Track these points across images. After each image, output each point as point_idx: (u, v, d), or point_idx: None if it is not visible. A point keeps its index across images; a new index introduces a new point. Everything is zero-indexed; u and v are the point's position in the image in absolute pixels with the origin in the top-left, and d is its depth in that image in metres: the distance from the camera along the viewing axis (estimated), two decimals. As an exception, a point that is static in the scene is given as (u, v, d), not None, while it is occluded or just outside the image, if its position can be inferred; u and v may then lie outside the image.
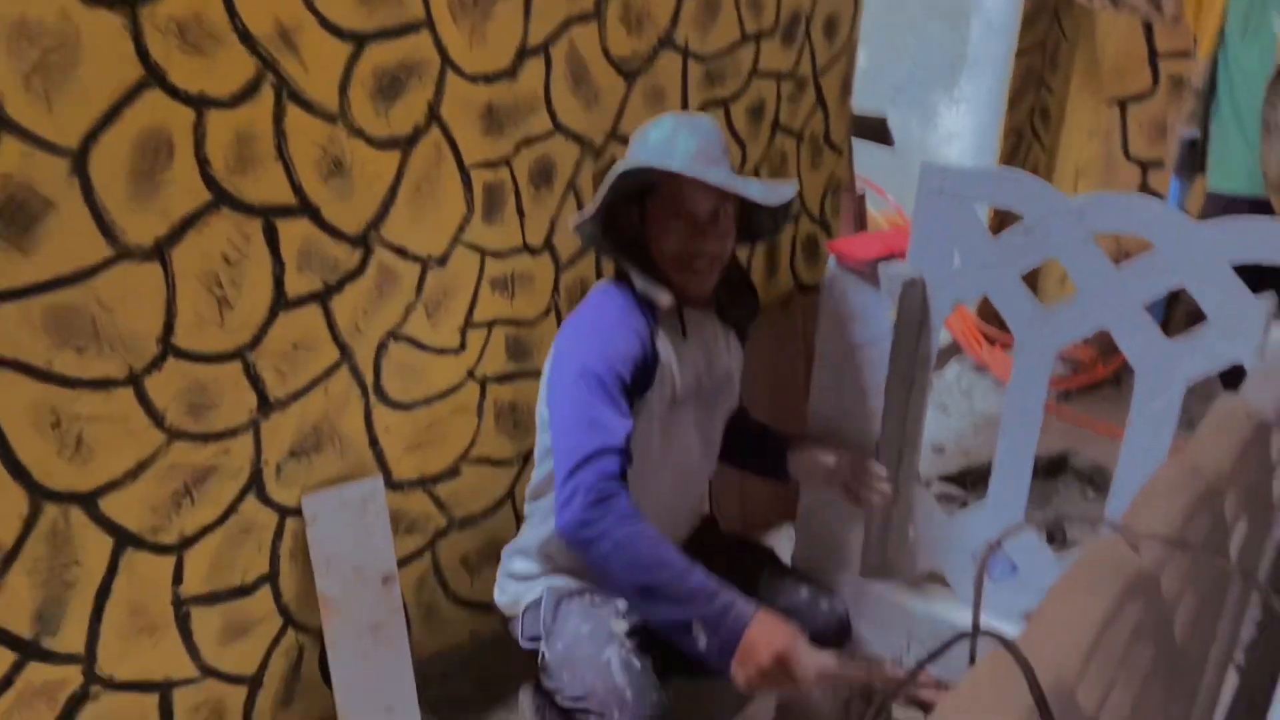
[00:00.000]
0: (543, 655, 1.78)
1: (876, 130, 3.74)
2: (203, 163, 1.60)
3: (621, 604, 1.76)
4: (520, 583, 1.91)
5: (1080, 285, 1.61)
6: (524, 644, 1.84)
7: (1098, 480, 3.10)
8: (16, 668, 1.57)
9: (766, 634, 1.46)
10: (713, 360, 1.86)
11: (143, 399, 1.62)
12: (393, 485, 2.05)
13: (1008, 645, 0.68)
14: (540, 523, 1.87)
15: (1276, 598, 0.93)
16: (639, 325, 1.70)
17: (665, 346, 1.75)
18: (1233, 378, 1.85)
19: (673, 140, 1.68)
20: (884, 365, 1.76)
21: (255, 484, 1.82)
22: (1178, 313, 3.55)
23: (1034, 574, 1.77)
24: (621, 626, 1.76)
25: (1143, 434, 1.62)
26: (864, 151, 3.72)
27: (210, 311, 1.67)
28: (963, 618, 1.81)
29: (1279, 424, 1.09)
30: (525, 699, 1.96)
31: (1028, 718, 0.67)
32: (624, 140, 2.30)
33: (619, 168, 1.65)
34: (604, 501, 1.52)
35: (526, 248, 2.17)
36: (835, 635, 1.86)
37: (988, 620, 1.82)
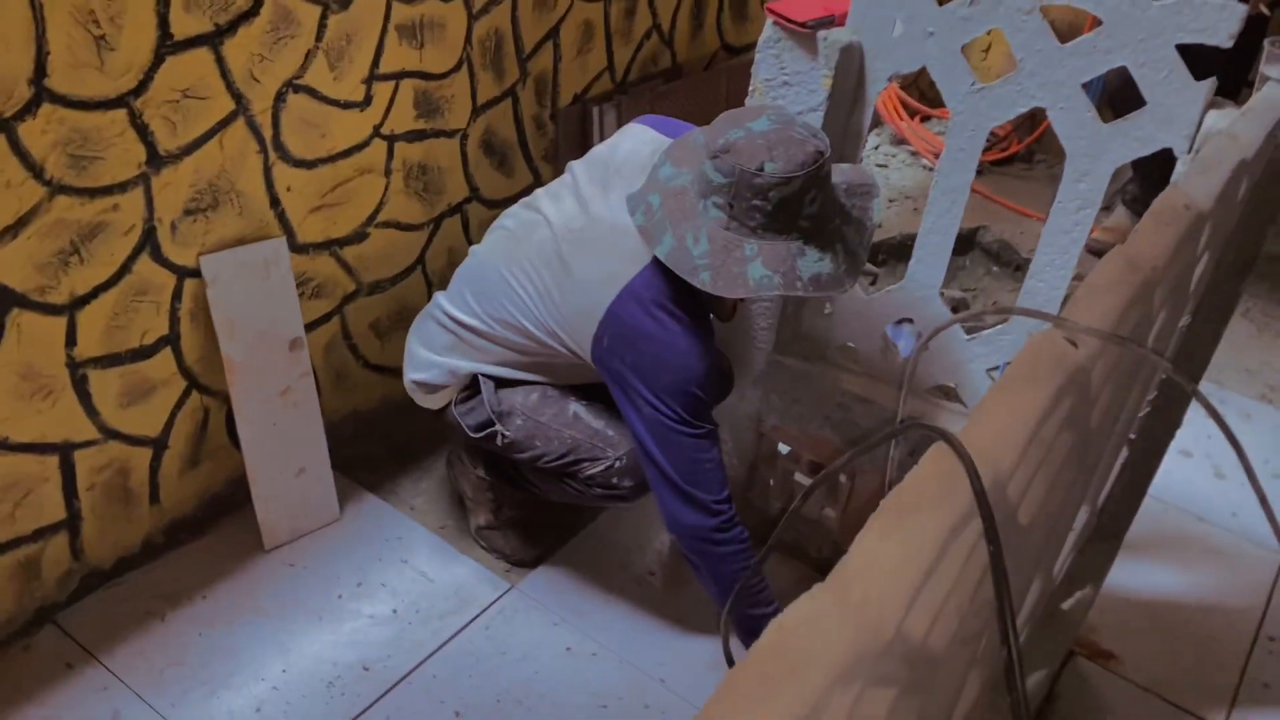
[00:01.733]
0: (501, 436, 1.80)
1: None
2: (65, -126, 1.39)
3: None
4: (439, 392, 1.89)
5: (1021, 60, 1.56)
6: (473, 435, 1.84)
7: (1004, 256, 3.16)
8: (-98, 431, 1.51)
9: None
10: None
11: (17, 148, 1.48)
12: (297, 248, 1.96)
13: (951, 443, 0.67)
14: (476, 357, 1.83)
15: (1185, 380, 0.95)
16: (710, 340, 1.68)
17: None
18: (1143, 164, 1.84)
19: (801, 202, 1.47)
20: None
21: (149, 243, 1.71)
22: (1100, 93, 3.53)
23: (943, 350, 1.81)
24: (563, 391, 1.83)
25: (1066, 214, 1.62)
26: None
27: (88, 53, 1.50)
28: (872, 392, 1.85)
29: (1211, 215, 1.09)
30: (495, 485, 2.00)
31: (968, 512, 0.67)
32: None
33: (774, 279, 1.48)
34: (728, 528, 1.69)
35: (437, -8, 2.00)
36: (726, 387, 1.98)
37: (889, 391, 1.87)
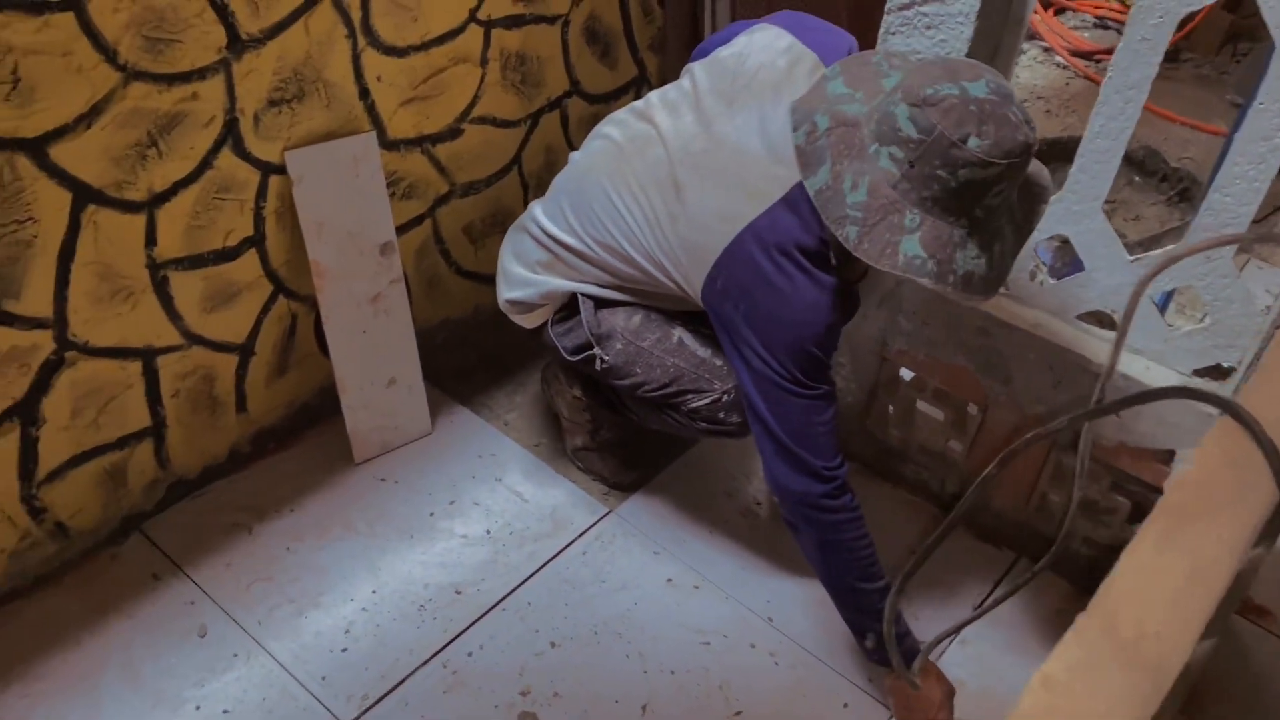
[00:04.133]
0: (600, 360, 1.65)
1: None
2: None
3: None
4: (535, 311, 1.74)
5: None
6: (571, 359, 1.70)
7: (1149, 164, 2.87)
8: (-23, 333, 1.43)
9: (943, 684, 1.55)
10: None
11: (88, 28, 1.35)
12: (388, 144, 1.81)
13: (1246, 422, 0.50)
14: (573, 276, 1.67)
15: None
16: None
17: None
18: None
19: (987, 191, 1.26)
20: (969, 22, 1.49)
21: (231, 135, 1.59)
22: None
23: (1101, 273, 1.60)
24: (668, 315, 1.65)
25: (1268, 117, 1.38)
26: None
27: (159, -81, 1.36)
28: (1015, 317, 1.66)
29: None
30: (592, 407, 1.86)
31: (1267, 513, 0.51)
32: None
33: (928, 265, 1.28)
34: (838, 494, 1.50)
35: None
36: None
37: (1035, 316, 1.68)
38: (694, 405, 1.65)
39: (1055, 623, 1.75)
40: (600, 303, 1.67)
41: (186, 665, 1.60)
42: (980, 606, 1.45)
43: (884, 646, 1.55)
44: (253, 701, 1.56)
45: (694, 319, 1.67)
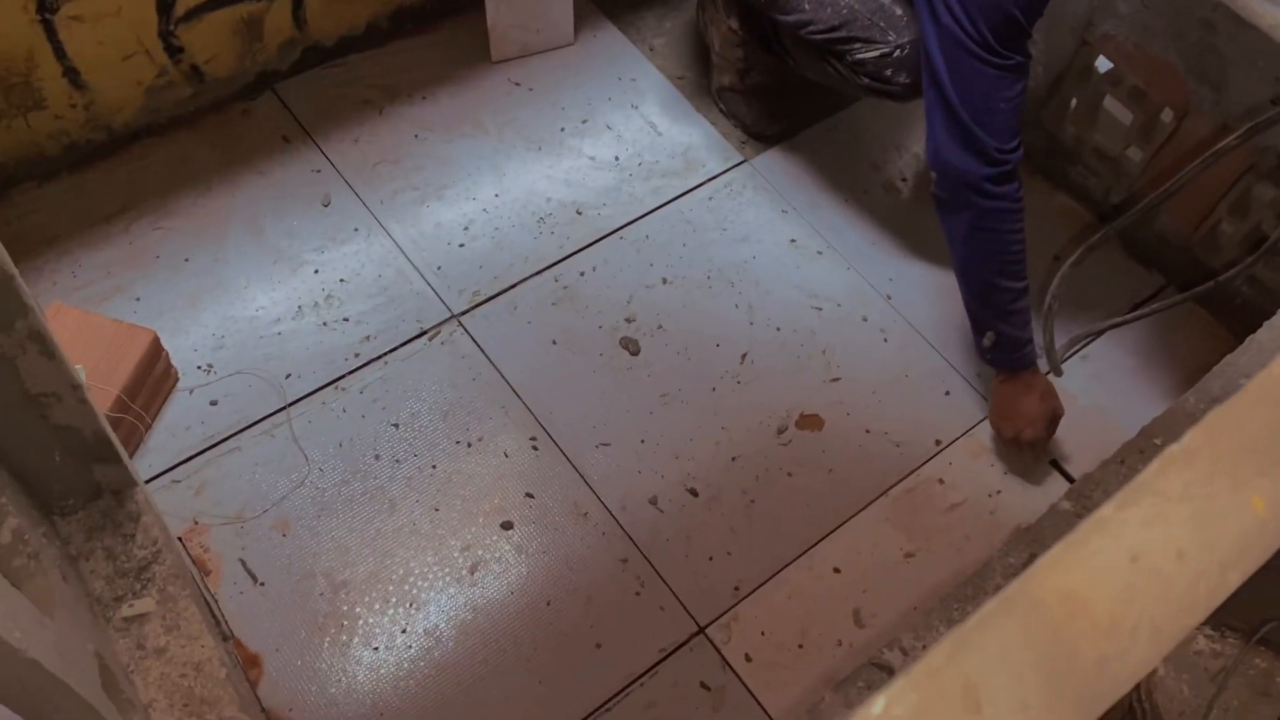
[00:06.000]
0: None
1: None
2: None
3: None
4: None
5: None
6: None
7: None
8: None
9: (1047, 402, 1.48)
10: None
11: None
12: None
13: None
14: None
15: None
16: None
17: None
18: None
19: None
20: None
21: None
22: None
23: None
24: None
25: None
26: None
27: None
28: (1251, 10, 1.43)
29: None
30: (747, 44, 1.70)
31: None
32: None
33: None
34: (1005, 180, 1.37)
35: None
36: None
37: (1277, 15, 1.44)
38: (861, 56, 1.50)
39: (1187, 356, 1.65)
40: None
41: (309, 229, 1.62)
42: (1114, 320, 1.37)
43: (1000, 347, 1.48)
44: (369, 275, 1.59)
45: None
